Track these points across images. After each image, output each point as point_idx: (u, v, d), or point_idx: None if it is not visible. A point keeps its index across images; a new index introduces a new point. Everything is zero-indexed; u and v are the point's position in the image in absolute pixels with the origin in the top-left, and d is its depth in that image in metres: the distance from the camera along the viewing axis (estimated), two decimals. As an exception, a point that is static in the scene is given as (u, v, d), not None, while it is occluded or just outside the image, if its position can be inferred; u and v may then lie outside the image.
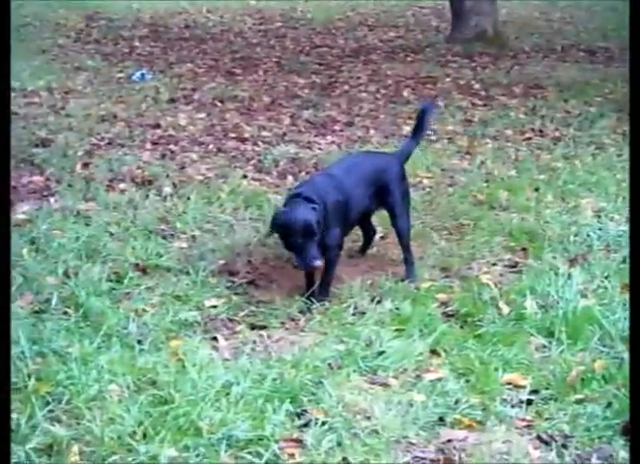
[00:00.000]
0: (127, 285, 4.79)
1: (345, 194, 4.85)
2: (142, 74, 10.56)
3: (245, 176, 6.93)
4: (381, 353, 4.13)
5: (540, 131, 8.57)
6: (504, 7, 15.09)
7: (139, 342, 4.16)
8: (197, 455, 3.35)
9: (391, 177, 5.11)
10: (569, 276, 4.92)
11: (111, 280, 4.83)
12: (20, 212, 5.82)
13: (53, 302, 4.49)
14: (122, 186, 6.54)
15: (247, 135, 8.15)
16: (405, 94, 10.08)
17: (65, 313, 4.41)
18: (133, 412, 3.53)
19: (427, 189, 6.71)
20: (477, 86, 10.64)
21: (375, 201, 5.09)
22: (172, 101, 9.46)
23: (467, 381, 3.93)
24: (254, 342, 4.28)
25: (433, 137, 8.14)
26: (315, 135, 8.29)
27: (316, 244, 4.59)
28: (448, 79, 10.99)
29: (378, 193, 5.07)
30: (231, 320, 4.53)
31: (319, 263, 4.59)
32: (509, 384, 3.93)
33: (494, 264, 5.34)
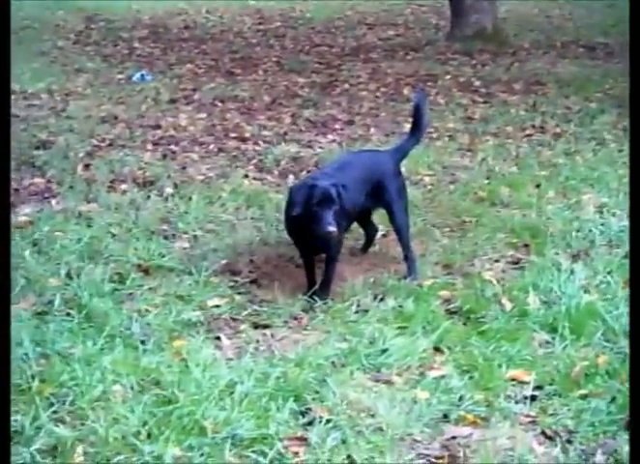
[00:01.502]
0: (129, 286, 4.80)
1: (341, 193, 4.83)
2: (142, 75, 10.56)
3: (246, 176, 6.93)
4: (384, 350, 4.13)
5: (541, 128, 8.57)
6: (503, 4, 15.08)
7: (142, 343, 4.16)
8: (202, 455, 3.35)
9: (384, 174, 5.10)
10: (572, 272, 4.93)
11: (114, 281, 4.83)
12: (22, 214, 5.83)
13: (56, 303, 4.49)
14: (123, 187, 6.54)
15: (247, 135, 8.15)
16: (405, 92, 10.07)
17: (68, 315, 4.41)
18: (137, 412, 3.53)
19: (429, 187, 6.71)
20: (477, 83, 10.63)
21: (371, 199, 5.07)
22: (172, 101, 9.46)
23: (471, 377, 3.93)
24: (257, 341, 4.28)
25: (434, 135, 8.13)
26: (316, 134, 8.29)
27: (333, 212, 4.56)
28: (448, 77, 10.98)
29: (374, 191, 5.05)
30: (234, 319, 4.53)
31: (333, 229, 4.55)
32: (513, 380, 3.93)
33: (496, 261, 5.33)
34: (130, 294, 4.73)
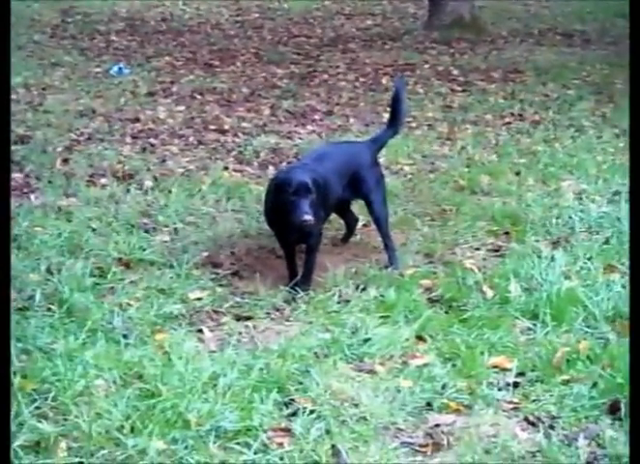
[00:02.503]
0: (110, 280, 4.78)
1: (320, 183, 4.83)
2: (120, 69, 10.51)
3: (226, 168, 6.92)
4: (367, 340, 4.13)
5: (520, 116, 8.60)
6: (480, -8, 15.11)
7: (124, 336, 4.15)
8: (186, 447, 3.34)
9: (362, 165, 5.10)
10: (552, 259, 4.94)
11: (94, 275, 4.81)
12: (1, 209, 5.79)
13: (37, 298, 4.47)
14: (103, 181, 6.51)
15: (227, 127, 8.13)
16: (384, 81, 10.08)
17: (49, 310, 4.39)
18: (121, 406, 3.51)
19: (409, 176, 6.72)
20: (455, 72, 10.65)
21: (350, 190, 5.07)
22: (151, 94, 9.43)
23: (453, 365, 3.94)
24: (240, 333, 4.27)
25: (413, 124, 8.14)
26: (295, 125, 8.28)
27: (309, 202, 4.56)
28: (426, 66, 10.99)
29: (352, 182, 5.05)
30: (216, 312, 4.52)
31: (309, 217, 4.55)
32: (496, 367, 3.94)
33: (477, 249, 5.35)
34: (112, 288, 4.71)
